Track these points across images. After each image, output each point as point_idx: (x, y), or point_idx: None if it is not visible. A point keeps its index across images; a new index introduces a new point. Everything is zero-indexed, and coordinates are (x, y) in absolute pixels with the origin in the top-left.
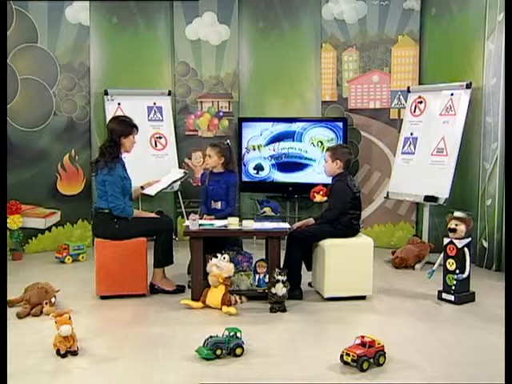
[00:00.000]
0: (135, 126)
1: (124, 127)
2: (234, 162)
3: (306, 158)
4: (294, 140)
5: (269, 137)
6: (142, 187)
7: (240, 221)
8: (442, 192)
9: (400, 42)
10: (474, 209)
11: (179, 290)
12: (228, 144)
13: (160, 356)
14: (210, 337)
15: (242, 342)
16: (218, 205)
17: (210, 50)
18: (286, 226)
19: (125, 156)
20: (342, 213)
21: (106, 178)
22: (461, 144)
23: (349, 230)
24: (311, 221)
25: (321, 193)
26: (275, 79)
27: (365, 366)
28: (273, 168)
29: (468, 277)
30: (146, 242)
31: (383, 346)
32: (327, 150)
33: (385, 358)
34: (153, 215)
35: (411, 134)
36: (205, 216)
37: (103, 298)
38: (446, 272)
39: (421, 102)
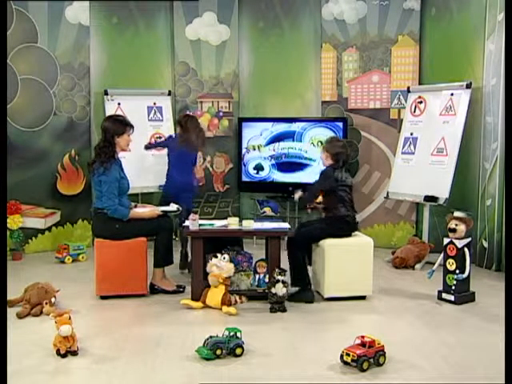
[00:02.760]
0: (129, 125)
1: (117, 126)
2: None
3: (306, 158)
4: (294, 140)
5: (269, 137)
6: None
7: (240, 221)
8: (442, 192)
9: (400, 42)
10: (473, 209)
11: (179, 290)
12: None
13: (160, 356)
14: (210, 337)
15: (242, 342)
16: None
17: (209, 50)
18: (286, 225)
19: (124, 156)
20: (316, 195)
21: (101, 178)
22: (461, 144)
23: (344, 223)
24: (299, 193)
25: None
26: (275, 79)
27: (365, 365)
28: (273, 168)
29: (468, 277)
30: (146, 242)
31: (383, 346)
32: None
33: (385, 357)
34: (152, 210)
35: (411, 134)
36: None
37: (103, 297)
38: (446, 272)
39: (421, 102)
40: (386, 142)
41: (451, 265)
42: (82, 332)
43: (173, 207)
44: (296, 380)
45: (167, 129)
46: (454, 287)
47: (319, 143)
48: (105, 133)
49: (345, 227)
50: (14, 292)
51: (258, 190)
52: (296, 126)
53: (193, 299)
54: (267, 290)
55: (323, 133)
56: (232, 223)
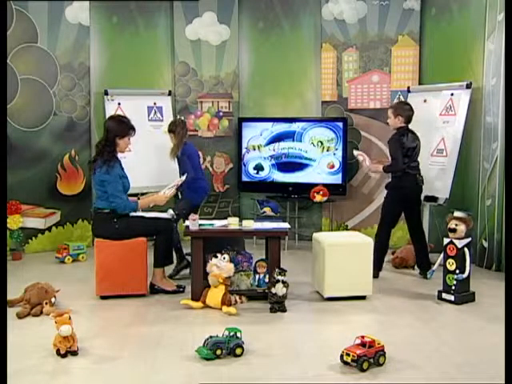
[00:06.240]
0: (132, 128)
1: (121, 128)
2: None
3: (306, 158)
4: (294, 140)
5: (269, 137)
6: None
7: (240, 221)
8: (442, 192)
9: (400, 42)
10: (473, 209)
11: (179, 290)
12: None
13: (160, 356)
14: (210, 337)
15: (242, 342)
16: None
17: (210, 50)
18: (286, 225)
19: (125, 156)
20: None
21: (104, 177)
22: (461, 144)
23: (404, 175)
24: (380, 168)
25: (321, 193)
26: (275, 79)
27: (365, 365)
28: (273, 168)
29: (468, 277)
30: (146, 241)
31: (383, 346)
32: (390, 107)
33: (385, 357)
34: (158, 196)
35: None
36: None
37: (103, 298)
38: (446, 272)
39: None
40: (386, 142)
41: (451, 265)
42: (82, 332)
43: (169, 214)
44: (296, 380)
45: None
46: (453, 287)
47: (319, 143)
48: (107, 132)
49: (404, 179)
50: (14, 292)
51: (258, 190)
52: (296, 126)
53: (193, 299)
54: (267, 289)
55: (323, 133)
56: (232, 223)
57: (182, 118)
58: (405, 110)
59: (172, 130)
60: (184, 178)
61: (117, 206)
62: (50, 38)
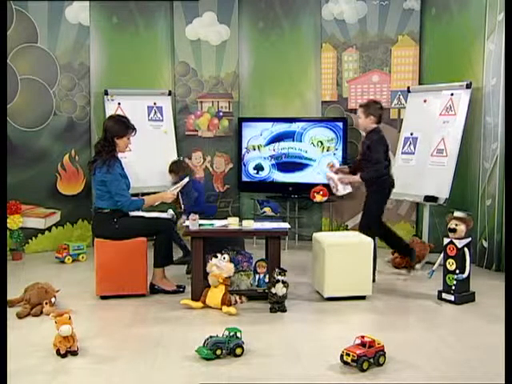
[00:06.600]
0: (131, 128)
1: (119, 128)
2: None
3: (306, 158)
4: (294, 140)
5: (269, 137)
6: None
7: (240, 221)
8: (442, 192)
9: (400, 42)
10: (474, 209)
11: (179, 290)
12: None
13: (160, 356)
14: (210, 337)
15: (242, 342)
16: None
17: (210, 50)
18: (286, 225)
19: (125, 156)
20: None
21: (105, 177)
22: (461, 144)
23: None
24: (353, 177)
25: (321, 193)
26: (275, 79)
27: (365, 365)
28: (273, 168)
29: (468, 277)
30: (146, 242)
31: (383, 346)
32: (360, 106)
33: (385, 357)
34: (165, 193)
35: (411, 134)
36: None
37: (103, 298)
38: (446, 272)
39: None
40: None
41: (451, 265)
42: (81, 332)
43: (169, 214)
44: (296, 380)
45: (167, 129)
46: (454, 287)
47: (319, 143)
48: (105, 132)
49: (384, 183)
50: (13, 292)
51: (258, 190)
52: (296, 126)
53: (193, 299)
54: (267, 289)
55: (323, 133)
56: (232, 223)
57: (181, 158)
58: (376, 109)
59: (172, 170)
60: (187, 179)
61: (123, 205)
62: (50, 38)
